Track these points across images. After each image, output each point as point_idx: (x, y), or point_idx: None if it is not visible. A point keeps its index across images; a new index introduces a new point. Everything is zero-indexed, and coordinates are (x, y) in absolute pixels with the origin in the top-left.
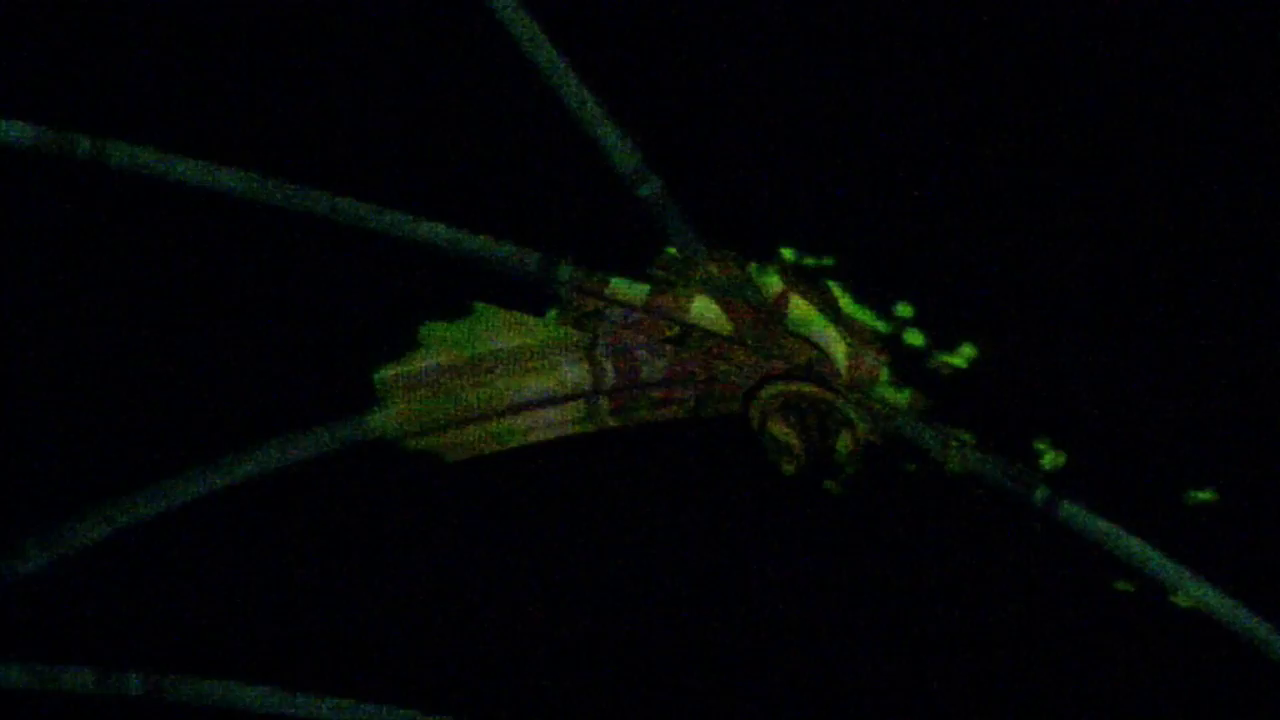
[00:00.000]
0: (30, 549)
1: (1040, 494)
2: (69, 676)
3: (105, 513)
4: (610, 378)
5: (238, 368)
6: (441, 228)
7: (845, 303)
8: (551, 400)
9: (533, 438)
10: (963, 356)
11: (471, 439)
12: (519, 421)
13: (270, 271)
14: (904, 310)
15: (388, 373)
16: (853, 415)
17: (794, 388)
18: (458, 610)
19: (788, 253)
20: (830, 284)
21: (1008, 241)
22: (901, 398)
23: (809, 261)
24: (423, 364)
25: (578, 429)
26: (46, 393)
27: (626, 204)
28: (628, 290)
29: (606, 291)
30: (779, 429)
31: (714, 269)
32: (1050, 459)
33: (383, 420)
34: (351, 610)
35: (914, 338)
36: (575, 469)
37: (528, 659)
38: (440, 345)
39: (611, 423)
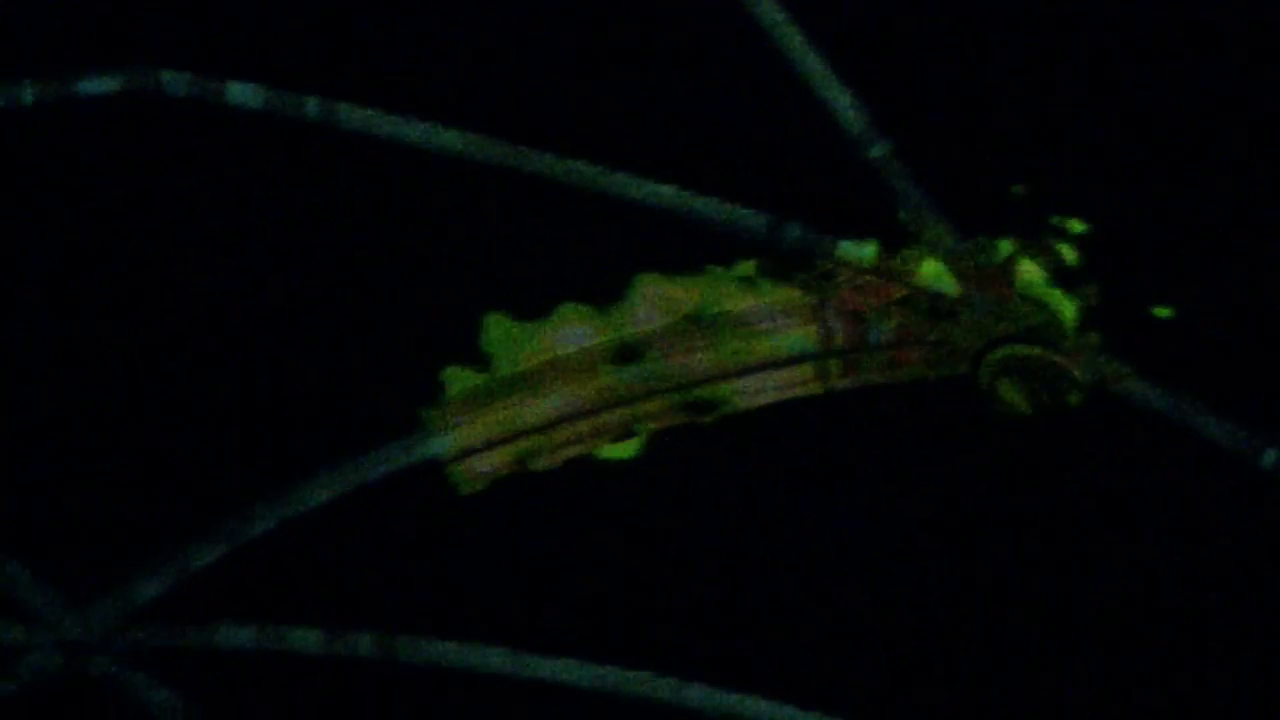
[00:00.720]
0: (260, 511)
1: (1270, 457)
2: (299, 637)
3: (334, 475)
4: (839, 339)
5: (466, 326)
6: (669, 189)
7: (1073, 265)
8: (781, 363)
9: (761, 400)
10: (1188, 320)
11: (689, 403)
12: (748, 384)
13: (498, 233)
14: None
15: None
16: (1081, 377)
17: (1023, 350)
18: (677, 569)
19: (1019, 215)
20: (1059, 247)
21: (1238, 212)
22: (1129, 362)
23: (1039, 223)
24: (644, 329)
25: (806, 391)
26: (272, 356)
27: (855, 165)
28: (856, 252)
29: (835, 253)
30: (1008, 390)
31: (943, 231)
32: None
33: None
34: (583, 569)
35: (1142, 301)
36: (802, 430)
37: (756, 616)
38: (665, 307)
39: (840, 385)
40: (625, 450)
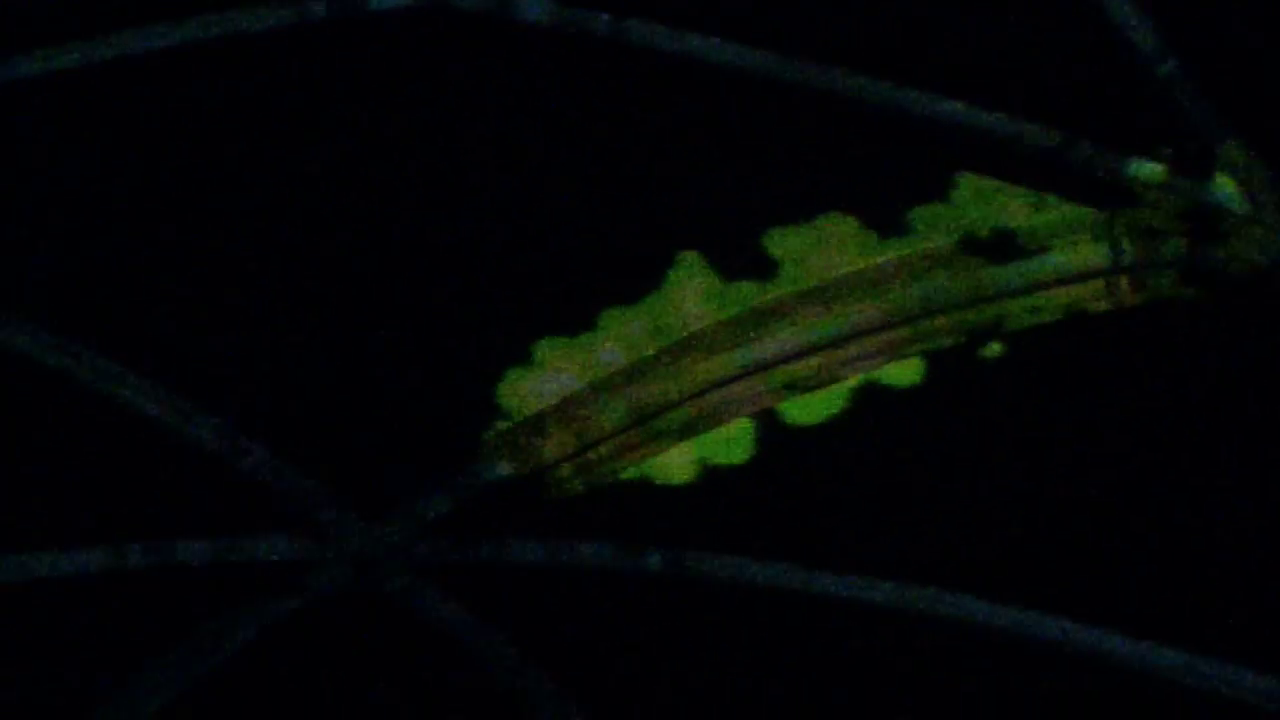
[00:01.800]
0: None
1: None
2: (588, 552)
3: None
4: (1129, 256)
5: (751, 242)
6: (960, 105)
7: None
8: (1070, 279)
9: (1049, 318)
10: None
11: (977, 321)
12: (1037, 301)
13: (784, 149)
14: None
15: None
16: None
17: None
18: (963, 488)
19: None
20: None
21: None
22: None
23: None
24: (931, 245)
25: (1095, 308)
26: (560, 270)
27: (1146, 82)
28: (1146, 169)
29: (1125, 170)
30: None
31: (1233, 147)
32: None
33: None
34: (870, 488)
35: None
36: (1091, 347)
37: (1038, 535)
38: (954, 225)
39: (1130, 301)
40: (909, 376)
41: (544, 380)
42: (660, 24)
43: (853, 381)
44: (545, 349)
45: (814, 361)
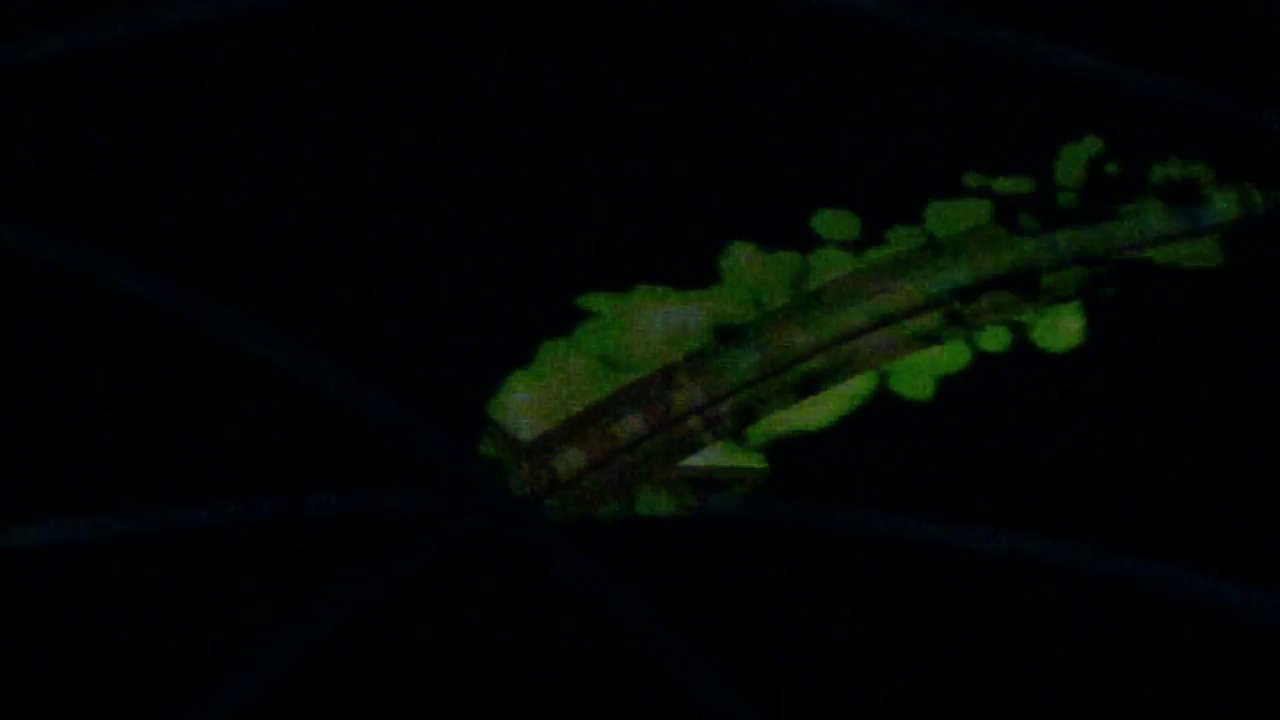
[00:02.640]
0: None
1: None
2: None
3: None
4: (1259, 208)
5: (900, 192)
6: (1092, 58)
7: None
8: (1202, 231)
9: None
10: None
11: (1112, 270)
12: (1166, 253)
13: (919, 102)
14: None
15: None
16: None
17: None
18: (1099, 440)
19: None
20: None
21: None
22: None
23: None
24: (1062, 197)
25: (1214, 263)
26: (683, 226)
27: (1279, 34)
28: (1279, 121)
29: (1257, 122)
30: None
31: None
32: None
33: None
34: (1007, 441)
35: None
36: (1223, 298)
37: (1173, 485)
38: (1083, 177)
39: (1261, 254)
40: (1068, 339)
41: (675, 334)
42: None
43: (979, 334)
44: (675, 300)
45: (942, 314)
